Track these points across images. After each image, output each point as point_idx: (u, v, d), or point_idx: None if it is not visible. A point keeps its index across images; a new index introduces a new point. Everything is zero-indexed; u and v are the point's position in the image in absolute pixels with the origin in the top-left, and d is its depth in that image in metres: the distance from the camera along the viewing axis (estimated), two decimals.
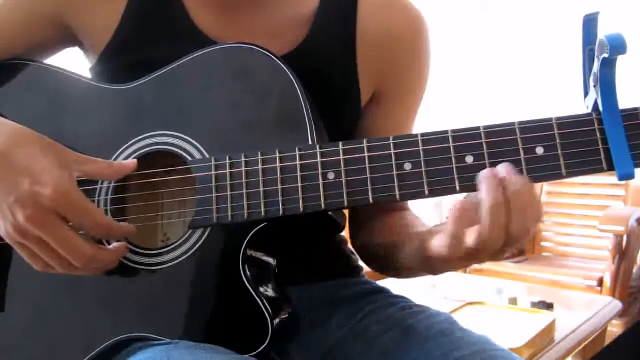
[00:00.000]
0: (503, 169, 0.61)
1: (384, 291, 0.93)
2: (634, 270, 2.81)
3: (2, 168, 0.66)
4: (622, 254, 2.70)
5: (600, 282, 2.68)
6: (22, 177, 0.65)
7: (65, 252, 0.66)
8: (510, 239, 0.61)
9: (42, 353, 0.76)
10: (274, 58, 0.73)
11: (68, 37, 0.86)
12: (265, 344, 0.69)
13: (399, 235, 0.83)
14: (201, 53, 0.76)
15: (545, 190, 3.40)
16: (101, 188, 0.75)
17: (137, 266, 0.73)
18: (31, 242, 0.66)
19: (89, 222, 0.67)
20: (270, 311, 0.69)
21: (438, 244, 0.64)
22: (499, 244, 0.61)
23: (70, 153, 0.70)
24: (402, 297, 0.92)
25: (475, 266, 3.00)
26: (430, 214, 4.36)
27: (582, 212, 3.26)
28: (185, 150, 0.73)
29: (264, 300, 0.69)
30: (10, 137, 0.68)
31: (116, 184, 0.76)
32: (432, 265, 0.69)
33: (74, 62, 0.88)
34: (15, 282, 0.78)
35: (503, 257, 0.64)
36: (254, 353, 0.69)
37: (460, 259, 0.64)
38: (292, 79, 0.72)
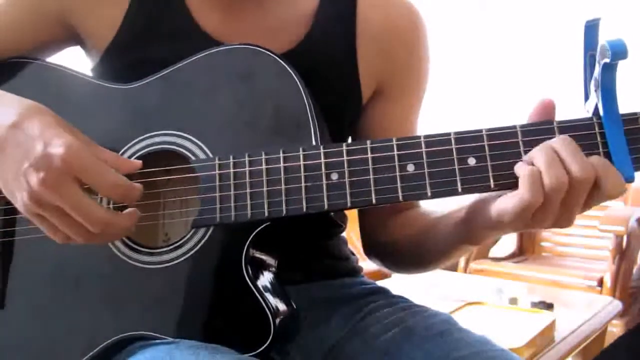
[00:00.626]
0: None
1: (383, 291, 0.93)
2: (634, 270, 2.81)
3: (16, 136, 0.66)
4: (622, 254, 2.71)
5: (600, 282, 2.68)
6: (35, 142, 0.65)
7: (81, 217, 0.65)
8: (574, 181, 0.60)
9: (43, 351, 0.76)
10: (279, 59, 0.73)
11: (71, 36, 0.86)
12: (267, 344, 0.69)
13: (422, 222, 0.84)
14: (206, 53, 0.76)
15: None
16: None
17: (139, 264, 0.74)
18: (47, 211, 0.65)
19: (104, 182, 0.65)
20: (273, 310, 0.69)
21: (509, 203, 0.62)
22: (562, 187, 0.60)
23: (81, 134, 0.69)
24: (402, 297, 0.92)
25: (475, 266, 3.00)
26: None
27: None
28: (188, 149, 0.74)
29: (266, 300, 0.70)
30: (26, 107, 0.68)
31: None
32: (479, 234, 0.69)
33: (75, 61, 0.88)
34: (16, 280, 0.78)
35: (573, 216, 0.63)
36: (255, 352, 0.69)
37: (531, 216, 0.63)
38: (297, 80, 0.72)
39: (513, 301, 1.88)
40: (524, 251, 3.34)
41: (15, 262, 0.78)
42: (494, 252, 3.24)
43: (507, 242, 3.34)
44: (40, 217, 0.67)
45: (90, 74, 0.87)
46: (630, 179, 0.61)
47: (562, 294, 2.27)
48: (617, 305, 2.05)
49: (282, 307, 0.73)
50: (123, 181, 0.67)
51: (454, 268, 3.08)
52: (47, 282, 0.76)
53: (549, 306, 1.86)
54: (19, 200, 0.66)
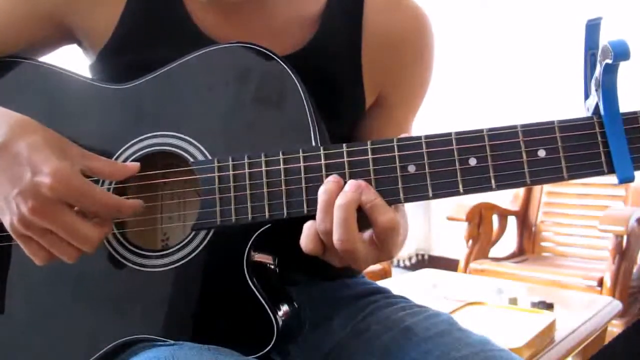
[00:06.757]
0: None
1: (383, 291, 0.93)
2: (634, 270, 2.82)
3: (4, 159, 0.66)
4: (622, 254, 2.71)
5: (600, 282, 2.68)
6: (23, 167, 0.64)
7: (73, 240, 0.66)
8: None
9: (44, 355, 0.76)
10: (275, 57, 0.72)
11: (66, 36, 0.85)
12: (271, 345, 0.69)
13: None
14: (201, 52, 0.75)
15: (545, 190, 3.40)
16: None
17: (140, 268, 0.73)
18: (35, 233, 0.66)
19: (96, 205, 0.66)
20: (275, 312, 0.69)
21: None
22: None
23: (73, 147, 0.69)
24: (402, 297, 0.92)
25: (475, 266, 3.00)
26: (422, 213, 4.38)
27: (582, 212, 3.26)
28: (186, 150, 0.73)
29: (269, 301, 0.69)
30: (14, 127, 0.68)
31: (116, 185, 0.75)
32: None
33: (73, 59, 0.88)
34: (17, 283, 0.77)
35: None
36: (259, 354, 0.69)
37: None
38: (295, 79, 0.71)
39: (513, 301, 1.88)
40: (524, 251, 3.34)
41: (14, 265, 0.78)
42: (494, 252, 3.24)
43: (507, 242, 3.34)
44: (26, 238, 0.67)
45: (87, 71, 0.86)
46: (630, 179, 0.61)
47: (562, 294, 2.28)
48: (617, 305, 2.05)
49: (284, 308, 0.73)
50: (112, 201, 0.68)
51: (454, 268, 3.09)
52: (46, 286, 0.76)
53: (549, 306, 1.86)
54: (8, 221, 0.67)
